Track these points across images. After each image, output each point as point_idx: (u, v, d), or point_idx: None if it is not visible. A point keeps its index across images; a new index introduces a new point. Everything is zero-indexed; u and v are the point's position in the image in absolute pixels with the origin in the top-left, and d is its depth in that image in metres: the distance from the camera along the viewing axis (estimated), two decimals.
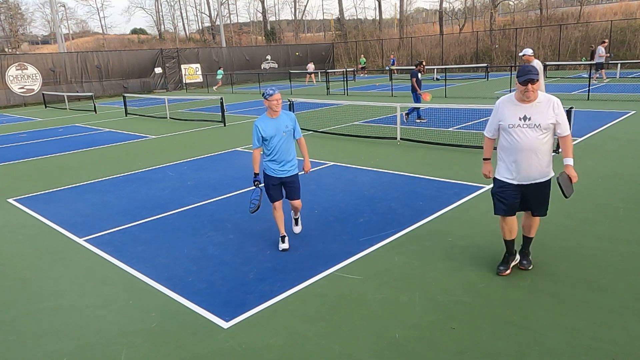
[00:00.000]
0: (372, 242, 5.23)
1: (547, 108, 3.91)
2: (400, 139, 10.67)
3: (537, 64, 10.90)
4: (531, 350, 3.26)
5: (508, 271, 4.39)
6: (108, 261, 5.17)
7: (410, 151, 9.75)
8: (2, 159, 11.58)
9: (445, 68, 27.78)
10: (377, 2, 66.84)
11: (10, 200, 7.87)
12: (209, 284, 4.50)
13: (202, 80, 35.33)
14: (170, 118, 17.55)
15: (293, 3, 60.57)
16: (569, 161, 4.04)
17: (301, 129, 13.22)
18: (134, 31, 70.29)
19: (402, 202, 6.51)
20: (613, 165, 7.75)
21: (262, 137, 4.87)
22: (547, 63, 27.78)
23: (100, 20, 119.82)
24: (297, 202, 5.25)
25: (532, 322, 3.58)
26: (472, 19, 46.98)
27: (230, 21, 66.06)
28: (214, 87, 32.93)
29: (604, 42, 22.69)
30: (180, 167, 9.54)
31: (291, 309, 3.99)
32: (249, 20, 70.86)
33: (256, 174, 4.98)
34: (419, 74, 13.52)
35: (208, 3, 67.21)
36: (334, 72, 35.26)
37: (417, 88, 13.38)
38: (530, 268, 4.40)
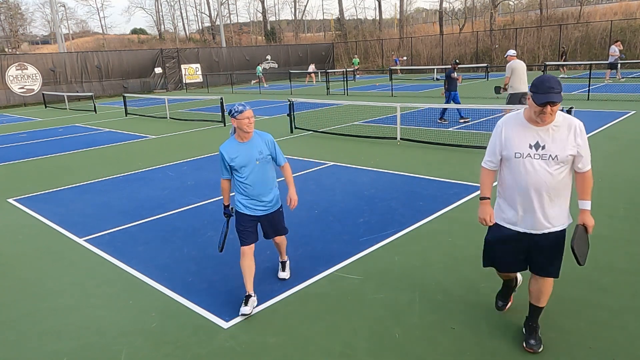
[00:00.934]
0: (372, 242, 5.23)
1: (568, 134, 2.94)
2: (400, 139, 10.67)
3: (520, 64, 11.14)
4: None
5: (509, 305, 3.72)
6: (108, 261, 5.17)
7: (410, 151, 9.75)
8: (2, 159, 11.58)
9: (445, 68, 27.76)
10: (377, 2, 66.86)
11: (10, 200, 7.87)
12: (209, 284, 4.50)
13: (202, 80, 35.33)
14: (170, 118, 17.55)
15: (293, 3, 60.61)
16: (586, 205, 3.14)
17: (301, 129, 13.41)
18: (134, 31, 70.31)
19: (402, 202, 6.51)
20: (613, 165, 7.75)
21: (229, 166, 3.92)
22: (547, 63, 27.78)
23: (100, 20, 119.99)
24: (281, 239, 4.35)
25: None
26: (472, 19, 46.99)
27: (230, 21, 66.10)
28: (265, 85, 32.96)
29: (617, 41, 22.65)
30: (180, 167, 9.54)
31: (291, 309, 3.99)
32: (249, 20, 70.95)
33: (226, 206, 4.12)
34: (454, 74, 13.04)
35: (208, 3, 67.25)
36: (334, 72, 35.28)
37: (446, 88, 12.92)
38: (540, 350, 3.22)
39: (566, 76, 25.83)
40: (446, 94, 13.02)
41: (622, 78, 22.47)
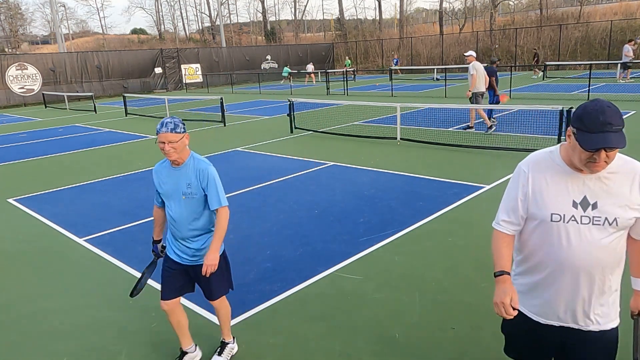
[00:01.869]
0: (372, 242, 5.23)
1: (630, 185, 1.93)
2: (400, 139, 10.67)
3: (480, 64, 11.26)
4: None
5: None
6: (108, 261, 5.17)
7: (410, 151, 9.75)
8: (2, 159, 11.58)
9: (445, 68, 27.80)
10: (377, 2, 66.85)
11: (10, 200, 7.87)
12: None
13: (202, 80, 35.34)
14: None
15: (293, 3, 60.62)
16: None
17: (301, 129, 13.43)
18: (134, 31, 70.33)
19: (402, 202, 6.51)
20: None
21: (157, 192, 3.16)
22: (547, 63, 27.81)
23: (100, 20, 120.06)
24: (217, 305, 3.26)
25: None
26: (472, 19, 46.99)
27: (230, 21, 66.13)
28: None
29: (631, 40, 22.55)
30: None
31: (291, 309, 3.99)
32: (249, 20, 70.99)
33: (155, 241, 3.32)
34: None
35: (208, 3, 67.26)
36: (334, 72, 35.28)
37: (496, 88, 12.46)
38: None
39: (535, 77, 26.32)
40: (490, 93, 12.46)
41: (631, 79, 22.31)
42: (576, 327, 2.10)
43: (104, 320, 3.99)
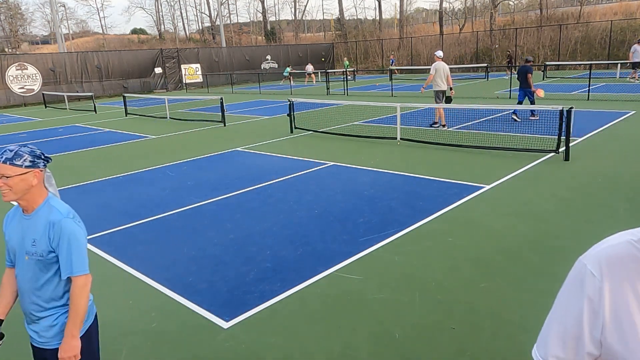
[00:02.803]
0: (372, 242, 5.23)
1: None
2: (400, 139, 10.67)
3: (442, 65, 11.63)
4: (531, 350, 3.26)
5: None
6: (108, 261, 5.17)
7: (410, 151, 9.75)
8: None
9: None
10: (377, 2, 66.83)
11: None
12: (209, 284, 4.50)
13: (202, 80, 35.34)
14: (170, 118, 17.55)
15: (293, 3, 60.59)
16: None
17: (301, 129, 13.46)
18: (134, 31, 70.31)
19: (402, 202, 6.51)
20: (613, 165, 7.74)
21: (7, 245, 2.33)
22: (547, 63, 27.81)
23: (100, 20, 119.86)
24: None
25: (532, 322, 3.58)
26: (472, 19, 46.98)
27: (230, 21, 66.12)
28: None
29: None
30: (180, 167, 9.54)
31: (291, 309, 3.99)
32: (249, 20, 70.97)
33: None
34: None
35: (208, 3, 67.26)
36: (334, 72, 35.27)
37: (532, 84, 12.56)
38: None
39: (507, 77, 26.19)
40: (522, 91, 12.64)
41: (639, 79, 22.14)
42: None
43: (104, 320, 3.98)
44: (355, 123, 13.91)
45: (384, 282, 4.35)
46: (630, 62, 21.79)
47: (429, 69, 12.67)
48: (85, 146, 12.80)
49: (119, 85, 31.85)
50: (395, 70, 34.18)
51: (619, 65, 24.75)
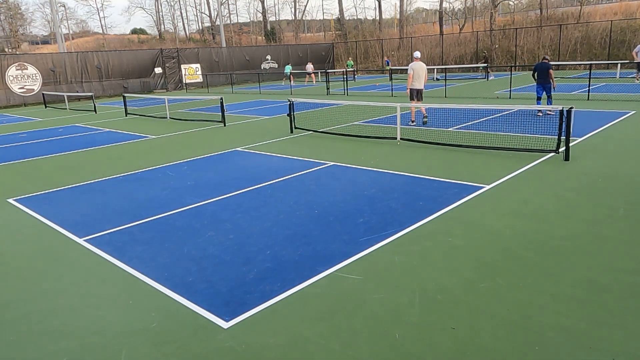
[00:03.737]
0: (372, 242, 5.23)
1: None
2: (400, 139, 10.67)
3: (418, 65, 12.05)
4: (531, 350, 3.26)
5: None
6: (108, 261, 5.17)
7: (410, 151, 9.75)
8: (2, 159, 11.57)
9: (445, 68, 27.80)
10: (377, 2, 66.78)
11: (10, 200, 7.87)
12: (209, 284, 4.50)
13: (202, 80, 35.33)
14: (170, 118, 17.55)
15: (293, 3, 60.56)
16: None
17: (301, 129, 13.48)
18: (134, 31, 70.26)
19: (402, 202, 6.51)
20: (613, 165, 7.75)
21: None
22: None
23: (100, 20, 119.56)
24: None
25: (532, 322, 3.58)
26: (472, 19, 46.96)
27: (230, 21, 66.08)
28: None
29: None
30: (180, 167, 9.54)
31: (291, 309, 3.99)
32: (249, 20, 70.89)
33: None
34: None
35: (208, 3, 67.25)
36: (334, 72, 35.26)
37: (553, 80, 12.86)
38: None
39: (494, 77, 28.47)
40: (541, 87, 12.94)
41: None
42: None
43: (104, 320, 3.99)
44: (355, 123, 13.91)
45: (383, 282, 4.35)
46: (636, 62, 21.70)
47: (429, 69, 12.81)
48: (85, 146, 12.80)
49: (119, 85, 31.85)
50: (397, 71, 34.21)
51: (619, 65, 24.73)
